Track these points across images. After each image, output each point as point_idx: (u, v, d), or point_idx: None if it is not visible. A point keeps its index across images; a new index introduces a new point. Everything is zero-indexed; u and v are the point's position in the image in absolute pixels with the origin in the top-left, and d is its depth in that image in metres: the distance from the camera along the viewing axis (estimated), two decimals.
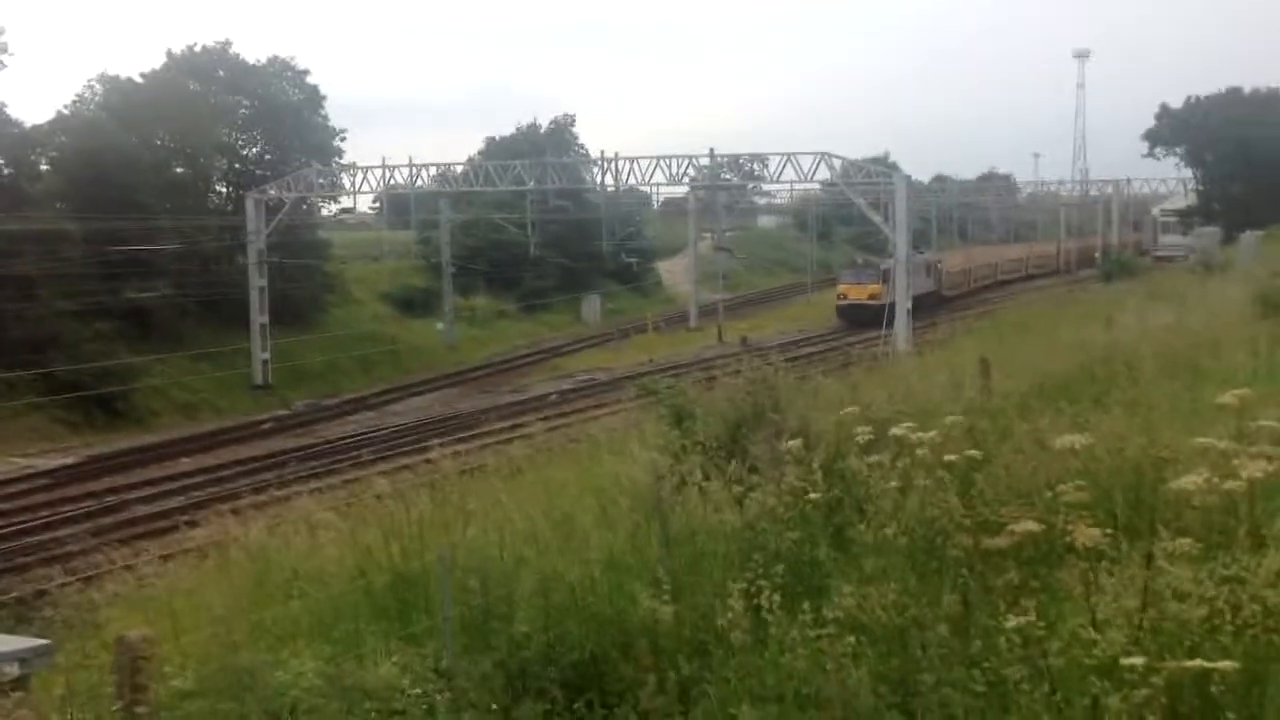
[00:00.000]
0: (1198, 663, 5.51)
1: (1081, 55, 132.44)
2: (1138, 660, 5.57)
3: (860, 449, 8.96)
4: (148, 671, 5.68)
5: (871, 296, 65.43)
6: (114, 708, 5.65)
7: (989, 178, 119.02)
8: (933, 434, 8.55)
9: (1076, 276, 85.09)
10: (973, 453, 8.40)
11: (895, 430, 8.89)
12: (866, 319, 61.58)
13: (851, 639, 6.50)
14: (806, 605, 7.00)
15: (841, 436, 9.94)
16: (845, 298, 68.96)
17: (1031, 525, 6.20)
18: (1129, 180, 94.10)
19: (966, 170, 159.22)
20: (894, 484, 8.30)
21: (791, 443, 9.83)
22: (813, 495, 8.93)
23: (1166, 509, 7.29)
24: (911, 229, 52.44)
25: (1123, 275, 62.13)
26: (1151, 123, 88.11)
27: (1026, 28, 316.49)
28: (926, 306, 64.43)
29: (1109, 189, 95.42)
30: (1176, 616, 5.89)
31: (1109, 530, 6.13)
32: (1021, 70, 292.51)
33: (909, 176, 52.84)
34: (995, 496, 7.64)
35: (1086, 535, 5.92)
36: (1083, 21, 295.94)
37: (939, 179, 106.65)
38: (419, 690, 6.83)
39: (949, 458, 8.27)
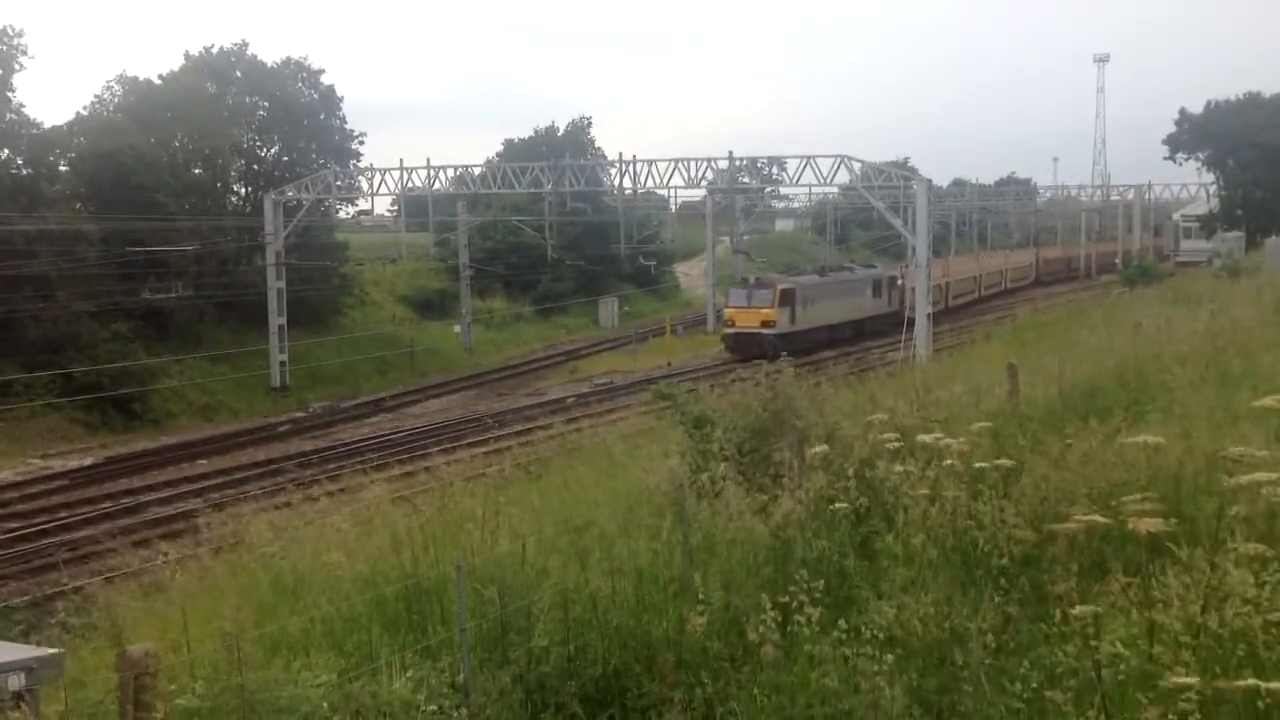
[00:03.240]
0: (1251, 682, 5.27)
1: (1101, 59, 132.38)
2: (1189, 680, 5.33)
3: (889, 457, 8.70)
4: (153, 689, 5.45)
5: (764, 324, 53.65)
6: None
7: (1008, 182, 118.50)
8: (960, 441, 8.31)
9: (1096, 282, 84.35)
10: (1003, 461, 8.16)
11: (923, 438, 8.65)
12: (757, 351, 44.64)
13: (890, 656, 6.23)
14: (838, 620, 6.75)
15: (869, 444, 9.68)
16: (732, 324, 55.65)
17: (1096, 517, 5.96)
18: (1149, 185, 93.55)
19: (986, 175, 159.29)
20: (924, 492, 8.06)
21: (817, 449, 9.58)
22: (839, 504, 8.68)
23: (1210, 519, 7.02)
24: (931, 233, 51.77)
25: (1144, 280, 61.12)
26: (1171, 127, 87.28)
27: (1045, 32, 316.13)
28: (878, 333, 55.16)
29: (1129, 194, 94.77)
30: (1230, 625, 5.65)
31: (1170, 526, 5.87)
32: (1041, 74, 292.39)
33: (929, 180, 52.27)
34: (1036, 509, 7.37)
35: (1148, 525, 5.65)
36: (1101, 25, 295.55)
37: (958, 183, 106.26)
38: (434, 707, 6.59)
39: (980, 464, 8.02)
